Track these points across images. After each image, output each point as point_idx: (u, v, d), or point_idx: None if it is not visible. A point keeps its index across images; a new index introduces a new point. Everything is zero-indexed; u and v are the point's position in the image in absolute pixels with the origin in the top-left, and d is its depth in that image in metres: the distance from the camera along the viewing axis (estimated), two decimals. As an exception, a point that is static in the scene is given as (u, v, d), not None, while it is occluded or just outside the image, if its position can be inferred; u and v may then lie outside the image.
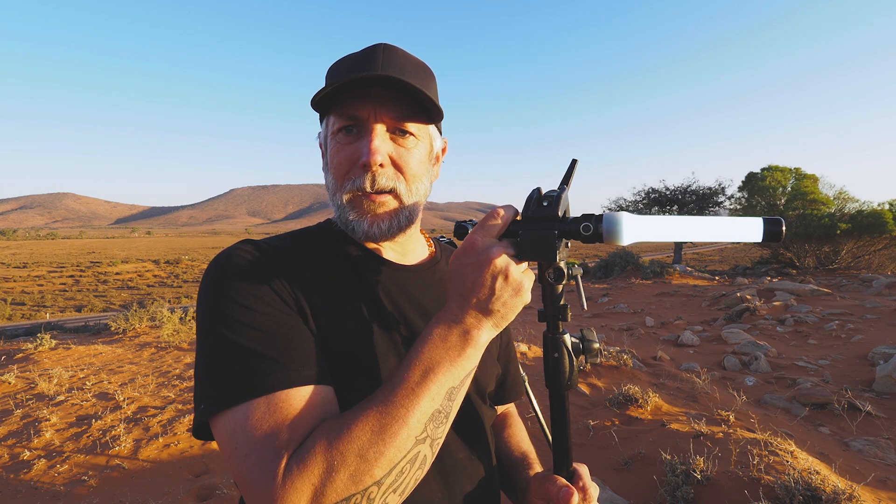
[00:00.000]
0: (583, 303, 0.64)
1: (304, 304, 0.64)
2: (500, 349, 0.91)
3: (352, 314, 0.68)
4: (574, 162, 0.70)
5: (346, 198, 0.70)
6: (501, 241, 0.59)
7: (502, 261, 0.57)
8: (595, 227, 0.58)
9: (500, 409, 0.97)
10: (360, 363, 0.66)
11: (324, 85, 0.69)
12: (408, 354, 0.58)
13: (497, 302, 0.57)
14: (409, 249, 0.80)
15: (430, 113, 0.72)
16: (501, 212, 0.60)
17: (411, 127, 0.71)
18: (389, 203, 0.71)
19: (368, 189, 0.69)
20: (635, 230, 0.58)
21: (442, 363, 0.56)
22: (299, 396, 0.56)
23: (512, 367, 0.95)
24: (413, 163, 0.72)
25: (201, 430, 0.59)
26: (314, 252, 0.72)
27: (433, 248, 0.87)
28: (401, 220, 0.72)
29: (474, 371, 0.61)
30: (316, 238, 0.75)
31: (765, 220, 0.60)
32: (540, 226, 0.59)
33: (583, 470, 0.74)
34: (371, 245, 0.76)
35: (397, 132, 0.70)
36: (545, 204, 0.60)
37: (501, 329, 0.60)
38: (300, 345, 0.60)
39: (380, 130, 0.68)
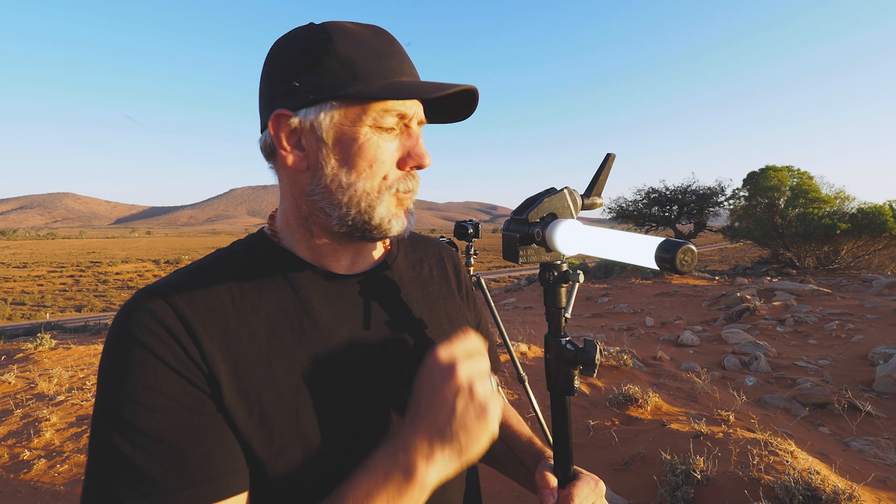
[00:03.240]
0: (568, 310, 0.62)
1: (220, 370, 0.54)
2: (478, 329, 0.87)
3: (290, 357, 0.59)
4: (608, 157, 0.65)
5: (389, 198, 0.64)
6: (470, 358, 0.55)
7: (467, 373, 0.52)
8: (543, 234, 0.57)
9: None
10: (318, 402, 0.58)
11: (346, 63, 0.59)
12: (348, 479, 0.53)
13: (456, 424, 0.51)
14: (365, 252, 0.72)
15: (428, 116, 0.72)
16: (472, 333, 0.57)
17: (421, 129, 0.70)
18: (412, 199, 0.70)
19: (414, 192, 0.67)
20: (572, 241, 0.55)
21: (378, 501, 0.50)
22: None
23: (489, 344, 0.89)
24: None
25: None
26: (239, 285, 0.61)
27: (387, 244, 0.79)
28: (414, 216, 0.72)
29: None
30: (240, 263, 0.64)
31: (659, 246, 0.49)
32: (513, 228, 0.60)
33: (579, 486, 0.69)
34: (319, 259, 0.68)
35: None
36: (525, 206, 0.60)
37: (462, 463, 0.52)
38: (201, 450, 0.52)
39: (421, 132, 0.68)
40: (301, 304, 0.63)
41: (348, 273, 0.69)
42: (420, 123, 0.67)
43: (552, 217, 0.59)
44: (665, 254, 0.47)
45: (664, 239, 0.48)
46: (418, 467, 0.50)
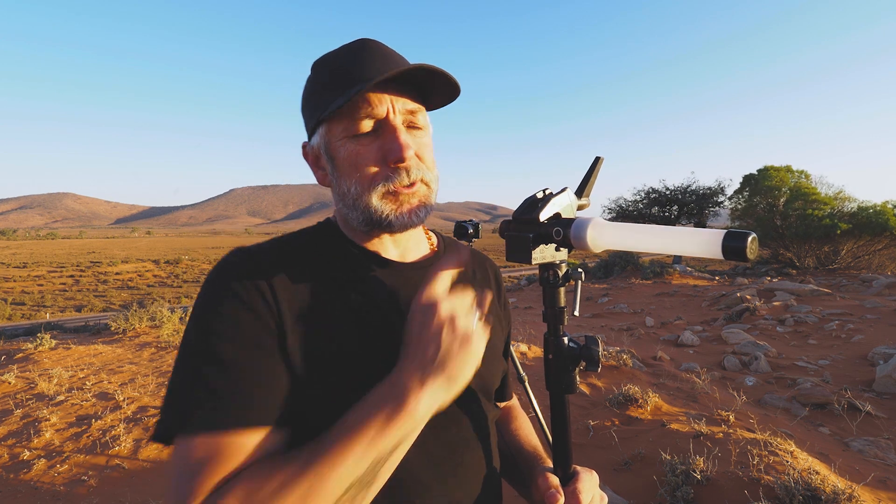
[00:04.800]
0: (576, 308, 0.62)
1: (287, 321, 0.63)
2: (507, 344, 0.91)
3: (349, 323, 0.66)
4: (597, 160, 0.68)
5: (377, 196, 0.68)
6: (454, 289, 0.59)
7: (449, 308, 0.56)
8: (565, 233, 0.57)
9: (502, 404, 0.96)
10: (359, 373, 0.63)
11: (320, 90, 0.69)
12: (347, 411, 0.57)
13: (442, 354, 0.54)
14: (411, 246, 0.78)
15: (429, 99, 0.73)
16: (452, 259, 0.61)
17: (420, 117, 0.71)
18: (421, 190, 0.70)
19: (406, 184, 0.68)
20: (603, 237, 0.55)
21: (368, 430, 0.53)
22: (227, 440, 0.55)
23: (510, 362, 0.95)
24: (428, 152, 0.72)
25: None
26: (311, 258, 0.71)
27: (434, 245, 0.85)
28: (430, 207, 0.72)
29: (408, 443, 0.56)
30: (313, 241, 0.74)
31: (726, 235, 0.50)
32: (520, 228, 0.59)
33: (582, 478, 0.72)
34: (373, 247, 0.75)
35: (411, 125, 0.70)
36: (532, 207, 0.60)
37: (452, 392, 0.56)
38: (257, 385, 0.58)
39: (401, 125, 0.68)
40: (359, 279, 0.71)
41: (399, 261, 0.76)
42: (412, 113, 0.70)
43: (558, 216, 0.60)
44: (735, 242, 0.48)
45: (729, 229, 0.49)
46: (409, 395, 0.54)
